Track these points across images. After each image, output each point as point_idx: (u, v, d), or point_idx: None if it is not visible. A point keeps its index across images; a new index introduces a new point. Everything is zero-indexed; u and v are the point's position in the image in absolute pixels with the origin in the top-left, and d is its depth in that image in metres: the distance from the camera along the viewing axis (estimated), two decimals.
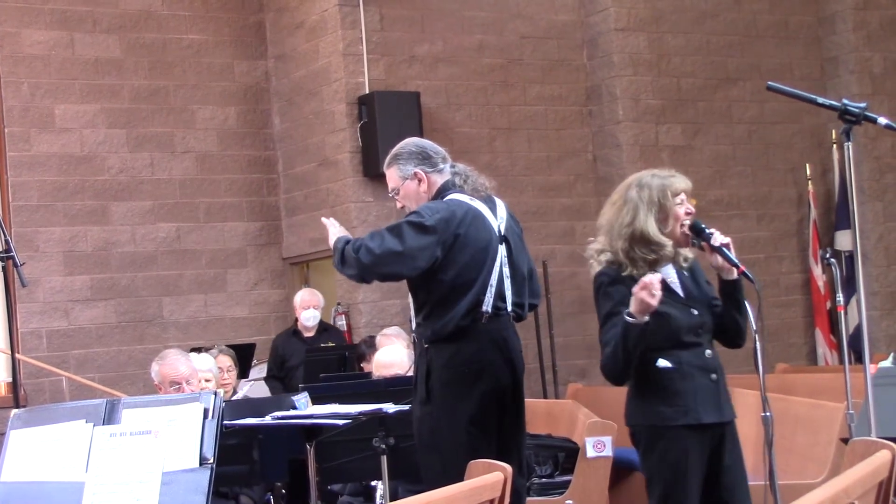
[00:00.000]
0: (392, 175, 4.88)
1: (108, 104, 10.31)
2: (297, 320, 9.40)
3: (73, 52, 10.21)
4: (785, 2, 11.71)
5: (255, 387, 8.49)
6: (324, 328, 9.42)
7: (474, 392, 4.59)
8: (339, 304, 10.12)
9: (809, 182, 11.47)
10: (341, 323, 9.97)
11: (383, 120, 9.93)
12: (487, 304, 4.65)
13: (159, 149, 10.52)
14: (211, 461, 3.47)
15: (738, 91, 11.37)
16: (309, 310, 9.24)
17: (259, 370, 9.53)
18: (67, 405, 3.89)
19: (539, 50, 10.93)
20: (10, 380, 9.61)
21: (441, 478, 4.09)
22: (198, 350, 7.75)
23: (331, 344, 9.06)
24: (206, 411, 3.56)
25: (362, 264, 4.60)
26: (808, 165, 11.51)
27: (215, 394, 3.61)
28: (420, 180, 4.80)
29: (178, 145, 10.60)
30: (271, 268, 10.92)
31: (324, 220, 4.97)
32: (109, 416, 3.68)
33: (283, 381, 9.11)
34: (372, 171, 10.01)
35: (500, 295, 4.69)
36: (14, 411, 3.79)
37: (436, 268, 4.60)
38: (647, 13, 10.96)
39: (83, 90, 10.22)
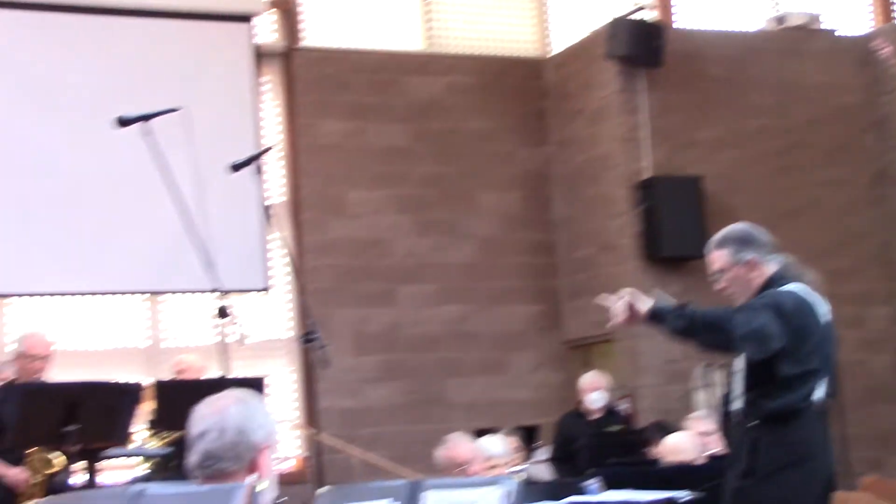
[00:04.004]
0: (720, 256, 4.90)
1: (396, 190, 10.71)
2: (580, 402, 9.41)
3: (364, 140, 10.67)
4: None
5: (538, 469, 8.53)
6: (608, 411, 9.40)
7: (802, 473, 4.62)
8: (621, 387, 10.08)
9: None
10: (625, 406, 9.93)
11: (664, 204, 9.95)
12: (820, 391, 4.67)
13: (444, 233, 10.82)
14: None
15: None
16: (595, 392, 9.23)
17: (541, 452, 9.56)
18: (373, 485, 4.02)
19: (824, 132, 10.72)
20: (304, 454, 10.06)
21: None
22: (483, 432, 7.85)
23: (616, 428, 9.02)
24: (507, 494, 3.63)
25: (733, 336, 4.61)
26: None
27: (514, 478, 3.68)
28: (752, 267, 4.82)
29: (462, 230, 10.88)
30: (552, 351, 11.01)
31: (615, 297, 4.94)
32: (412, 497, 3.78)
33: (566, 462, 9.12)
34: (653, 256, 10.00)
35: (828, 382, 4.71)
36: (319, 490, 3.95)
37: (781, 352, 4.61)
38: None
39: (373, 177, 10.66)
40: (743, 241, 4.88)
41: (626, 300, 4.72)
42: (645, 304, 4.65)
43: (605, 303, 4.91)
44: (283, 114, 10.64)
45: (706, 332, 4.62)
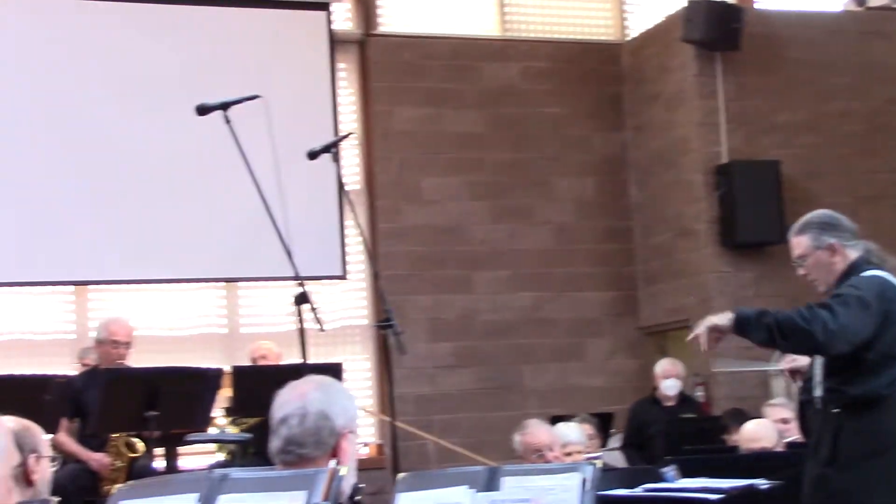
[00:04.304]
0: (801, 242, 4.85)
1: (471, 177, 10.71)
2: (654, 389, 9.38)
3: (439, 127, 10.69)
4: None
5: (612, 456, 8.51)
6: (683, 398, 9.36)
7: (886, 462, 4.57)
8: (696, 374, 10.02)
9: None
10: (700, 394, 9.87)
11: (742, 190, 9.85)
12: None
13: (519, 219, 10.81)
14: None
15: None
16: (670, 379, 9.20)
17: (616, 439, 9.54)
18: (451, 471, 4.04)
19: None
20: (378, 441, 10.11)
21: None
22: (558, 419, 7.85)
23: (691, 415, 8.98)
24: (584, 482, 3.62)
25: (818, 339, 4.56)
26: None
27: (593, 464, 3.67)
28: (834, 252, 4.77)
29: (538, 216, 10.87)
30: (627, 337, 10.97)
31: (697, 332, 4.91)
32: (489, 483, 3.80)
33: (640, 449, 9.09)
34: (731, 242, 9.91)
35: None
36: (400, 475, 3.97)
37: (867, 340, 4.57)
38: None
39: (448, 163, 10.67)
40: (825, 227, 4.83)
41: (706, 327, 4.71)
42: (725, 318, 4.63)
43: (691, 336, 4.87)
44: (359, 101, 10.68)
45: (789, 338, 4.58)
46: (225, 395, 7.23)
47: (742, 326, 4.62)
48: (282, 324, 10.07)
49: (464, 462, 9.01)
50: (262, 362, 8.25)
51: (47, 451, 3.86)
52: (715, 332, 4.67)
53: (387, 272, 10.32)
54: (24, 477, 3.71)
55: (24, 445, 3.71)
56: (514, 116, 10.92)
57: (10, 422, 3.73)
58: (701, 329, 4.72)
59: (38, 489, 3.76)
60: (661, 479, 4.82)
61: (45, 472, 3.80)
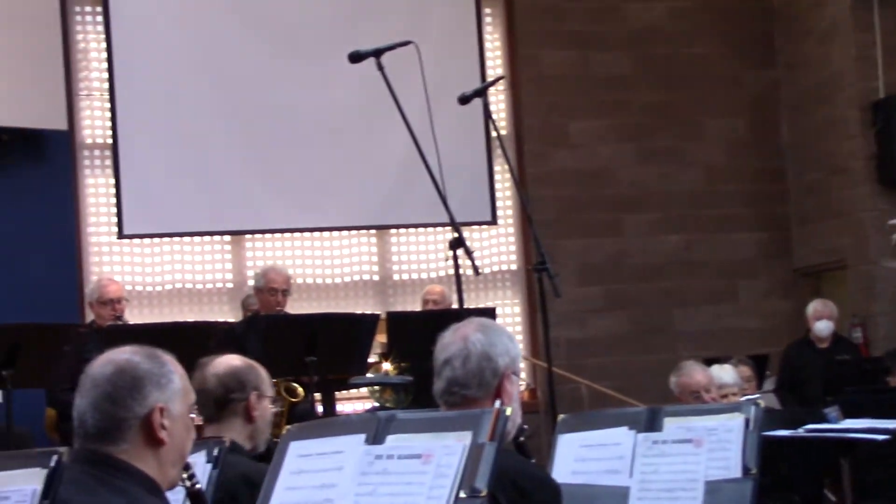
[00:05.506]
0: None
1: (619, 119, 10.61)
2: (808, 331, 9.24)
3: (586, 69, 10.59)
4: None
5: (767, 398, 8.41)
6: (837, 339, 9.20)
7: None
8: (854, 315, 9.82)
9: None
10: (857, 335, 9.67)
11: None
12: None
13: (668, 161, 10.68)
14: (754, 471, 3.50)
15: None
16: (822, 321, 9.07)
17: (770, 382, 9.43)
18: (611, 412, 4.06)
19: None
20: (531, 385, 10.16)
21: None
22: (711, 361, 7.78)
23: (846, 357, 8.82)
24: (747, 422, 3.59)
25: None
26: None
27: (756, 404, 3.64)
28: None
29: (687, 157, 10.72)
30: (781, 279, 10.79)
31: None
32: (650, 424, 3.79)
33: (794, 392, 8.98)
34: (888, 179, 9.65)
35: None
36: (560, 416, 4.00)
37: None
38: None
39: (596, 106, 10.58)
40: None
41: None
42: None
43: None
44: (504, 45, 10.65)
45: None
46: (379, 340, 7.34)
47: None
48: (432, 270, 10.20)
49: (617, 405, 8.99)
50: (431, 306, 8.34)
51: (269, 391, 3.98)
52: None
53: (535, 217, 10.27)
54: (244, 413, 3.86)
55: (246, 383, 3.88)
56: (662, 56, 10.76)
57: (236, 360, 3.91)
58: None
59: (258, 426, 3.90)
60: (823, 419, 4.77)
61: (265, 410, 3.92)
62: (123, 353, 2.75)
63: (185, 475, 2.80)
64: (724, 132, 10.78)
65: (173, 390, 2.73)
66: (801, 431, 4.58)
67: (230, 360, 3.95)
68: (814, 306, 9.22)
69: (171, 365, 2.77)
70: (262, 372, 3.97)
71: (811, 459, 5.13)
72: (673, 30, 10.78)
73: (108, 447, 2.66)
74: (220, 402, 3.84)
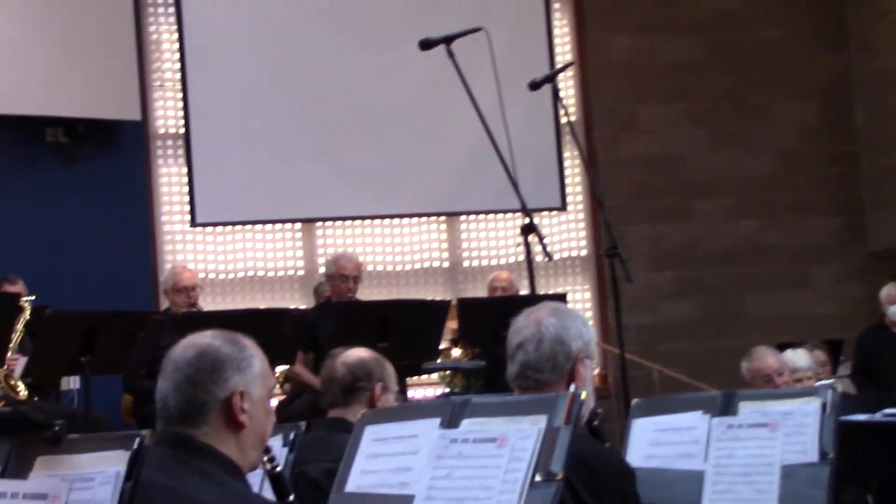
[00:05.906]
0: None
1: (689, 105, 10.54)
2: (882, 315, 9.13)
3: (655, 55, 10.53)
4: None
5: (842, 383, 8.32)
6: None
7: None
8: None
9: None
10: None
11: None
12: None
13: (740, 147, 10.60)
14: (831, 456, 3.47)
15: None
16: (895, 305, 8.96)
17: (845, 367, 9.33)
18: (685, 396, 4.04)
19: None
20: (602, 371, 10.14)
21: None
22: (786, 346, 7.72)
23: None
24: (824, 406, 3.57)
25: None
26: None
27: (833, 388, 3.61)
28: None
29: (759, 142, 10.63)
30: (856, 263, 10.67)
31: None
32: (725, 408, 3.77)
33: (869, 377, 8.87)
34: None
35: None
36: (634, 400, 3.99)
37: None
38: None
39: (665, 92, 10.51)
40: None
41: None
42: None
43: None
44: (573, 31, 10.61)
45: None
46: (449, 327, 7.37)
47: None
48: (501, 256, 10.21)
49: (688, 391, 8.94)
50: (499, 293, 8.34)
51: (394, 385, 4.16)
52: None
53: (606, 203, 10.26)
54: (368, 402, 4.03)
55: (373, 374, 4.08)
56: (732, 41, 10.66)
57: (365, 352, 4.08)
58: None
59: None
60: None
61: (388, 403, 4.07)
62: (205, 338, 2.78)
63: (265, 458, 2.83)
64: (795, 117, 10.67)
65: (253, 374, 2.76)
66: (878, 416, 4.53)
67: (359, 352, 4.15)
68: (887, 290, 9.10)
69: (252, 349, 2.80)
70: (389, 366, 4.14)
71: (889, 444, 5.07)
72: (743, 14, 10.68)
73: (190, 430, 2.70)
74: (346, 389, 4.04)
